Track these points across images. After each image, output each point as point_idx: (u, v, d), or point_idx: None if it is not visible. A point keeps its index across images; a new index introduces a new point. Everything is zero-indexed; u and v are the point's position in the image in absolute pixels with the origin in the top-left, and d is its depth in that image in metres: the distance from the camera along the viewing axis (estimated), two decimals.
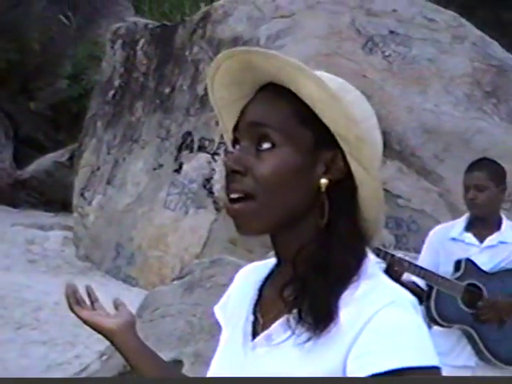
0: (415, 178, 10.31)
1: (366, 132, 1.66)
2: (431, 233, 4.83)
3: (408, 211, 10.22)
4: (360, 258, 1.64)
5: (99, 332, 2.08)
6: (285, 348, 1.62)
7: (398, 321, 1.55)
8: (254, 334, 1.71)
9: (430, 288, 4.54)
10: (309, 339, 1.59)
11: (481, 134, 10.20)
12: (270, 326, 1.67)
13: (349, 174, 1.64)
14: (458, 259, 4.57)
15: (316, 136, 1.64)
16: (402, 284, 4.36)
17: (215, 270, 7.50)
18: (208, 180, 11.12)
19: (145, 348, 2.06)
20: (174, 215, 11.34)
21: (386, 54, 11.07)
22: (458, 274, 4.54)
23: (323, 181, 1.64)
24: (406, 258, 4.63)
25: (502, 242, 4.59)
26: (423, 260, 4.64)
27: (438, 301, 4.53)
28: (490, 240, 4.60)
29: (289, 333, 1.62)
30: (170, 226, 11.33)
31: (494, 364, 4.52)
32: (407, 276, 4.45)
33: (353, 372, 1.54)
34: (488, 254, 4.58)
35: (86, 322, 2.09)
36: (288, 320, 1.63)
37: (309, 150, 1.64)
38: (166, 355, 6.93)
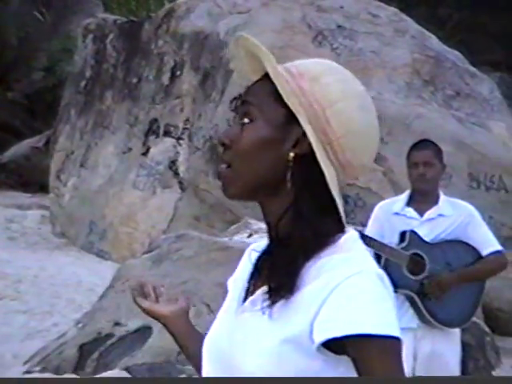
0: None
1: (337, 114, 1.63)
2: (376, 208, 4.85)
3: (355, 189, 10.26)
4: (322, 234, 1.63)
5: (155, 319, 2.11)
6: (260, 313, 1.63)
7: (361, 289, 1.54)
8: (245, 301, 1.71)
9: (378, 257, 4.57)
10: (272, 305, 1.60)
11: (420, 119, 10.24)
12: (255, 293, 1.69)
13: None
14: (403, 231, 4.60)
15: (288, 112, 1.63)
16: None
17: (181, 244, 7.49)
18: (173, 162, 11.11)
19: (192, 332, 2.07)
20: (142, 195, 11.33)
21: (334, 46, 11.09)
22: (403, 244, 4.57)
23: (290, 154, 1.63)
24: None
25: (440, 215, 4.63)
26: (369, 232, 4.66)
27: (385, 269, 4.56)
28: (429, 214, 4.63)
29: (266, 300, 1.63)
30: (138, 205, 11.31)
31: (434, 325, 4.57)
32: None
33: (315, 335, 1.53)
34: (428, 227, 4.62)
35: (144, 310, 2.13)
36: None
37: (281, 125, 1.64)
38: (136, 322, 6.95)
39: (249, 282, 1.75)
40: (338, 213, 1.65)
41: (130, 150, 11.62)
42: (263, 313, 1.62)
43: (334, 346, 1.54)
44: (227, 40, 11.20)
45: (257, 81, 1.71)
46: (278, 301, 1.60)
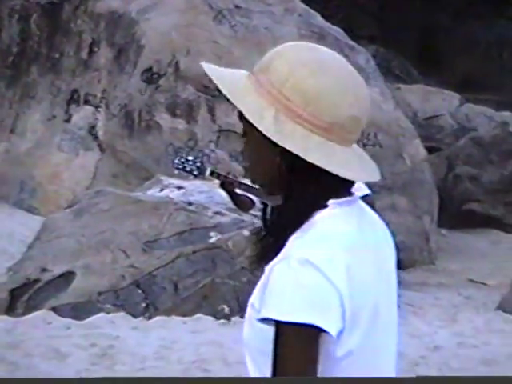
0: None
1: (292, 88, 1.54)
2: None
3: None
4: (303, 213, 1.55)
5: None
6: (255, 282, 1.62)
7: (278, 277, 1.46)
8: None
9: (265, 206, 4.54)
10: (253, 269, 1.61)
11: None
12: None
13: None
14: None
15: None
16: (236, 195, 4.29)
17: (98, 198, 7.45)
18: (93, 127, 11.00)
19: None
20: (66, 156, 11.18)
21: (232, 24, 11.04)
22: None
23: (277, 158, 1.55)
24: (243, 181, 4.62)
25: None
26: None
27: (272, 215, 4.54)
28: None
29: None
30: (63, 165, 11.16)
31: None
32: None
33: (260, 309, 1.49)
34: None
35: None
36: None
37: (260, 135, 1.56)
38: (61, 268, 6.89)
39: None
40: (325, 188, 1.56)
41: (54, 117, 11.42)
42: (255, 279, 1.60)
43: None
44: (138, 19, 11.06)
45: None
46: (255, 266, 1.60)
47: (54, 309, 6.61)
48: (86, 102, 11.17)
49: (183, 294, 6.79)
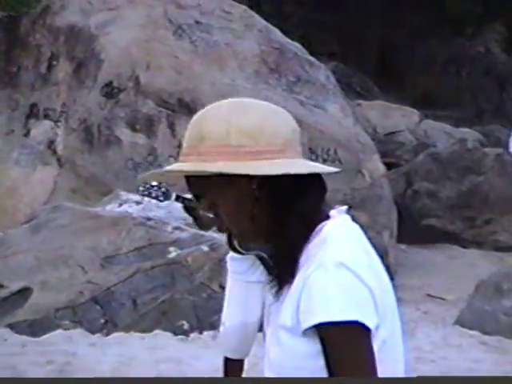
0: None
1: (217, 140, 1.64)
2: None
3: None
4: (308, 228, 1.64)
5: None
6: (275, 302, 1.66)
7: (318, 283, 1.52)
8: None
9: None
10: (278, 290, 1.62)
11: (267, 102, 10.35)
12: None
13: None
14: None
15: (226, 177, 1.64)
16: (199, 217, 4.38)
17: (57, 214, 7.39)
18: (52, 142, 10.90)
19: None
20: (25, 171, 11.05)
21: (193, 39, 11.05)
22: None
23: (255, 192, 1.64)
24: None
25: None
26: None
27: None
28: None
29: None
30: (22, 180, 11.03)
31: None
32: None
33: (300, 325, 1.53)
34: None
35: None
36: None
37: (228, 189, 1.66)
38: (18, 284, 6.81)
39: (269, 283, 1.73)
40: (317, 201, 1.68)
41: (12, 131, 11.30)
42: (276, 300, 1.63)
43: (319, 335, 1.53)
44: (98, 33, 11.02)
45: (188, 181, 1.70)
46: (282, 286, 1.62)
47: (10, 325, 6.53)
48: (45, 116, 11.07)
49: (142, 309, 6.75)
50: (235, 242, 1.72)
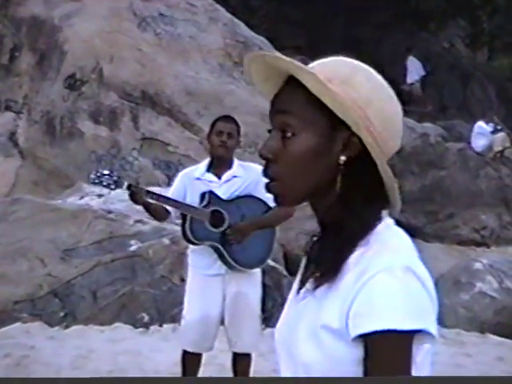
0: (181, 129, 10.37)
1: (375, 111, 1.51)
2: (180, 174, 4.90)
3: (176, 156, 10.28)
4: (368, 226, 1.51)
5: None
6: (310, 299, 1.54)
7: (384, 287, 1.42)
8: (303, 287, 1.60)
9: (184, 216, 4.63)
10: (316, 288, 1.51)
11: (231, 95, 10.34)
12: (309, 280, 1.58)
13: (366, 151, 1.50)
14: (203, 192, 4.67)
15: (331, 119, 1.49)
16: (149, 206, 4.51)
17: (16, 206, 7.33)
18: (13, 134, 10.81)
19: None
20: None
21: (157, 31, 11.02)
22: (204, 203, 4.64)
23: (342, 158, 1.50)
24: (160, 192, 4.71)
25: (234, 177, 4.73)
26: (173, 195, 4.70)
27: (191, 225, 4.62)
28: (226, 176, 4.73)
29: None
30: None
31: (238, 270, 4.67)
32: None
33: (350, 328, 1.43)
34: (225, 187, 4.71)
35: None
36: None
37: (326, 133, 1.50)
38: None
39: (303, 274, 1.64)
40: (382, 202, 1.54)
41: None
42: (313, 296, 1.52)
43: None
44: (61, 25, 10.94)
45: (282, 89, 1.54)
46: (322, 284, 1.51)
47: None
48: (7, 107, 10.98)
49: (102, 302, 6.72)
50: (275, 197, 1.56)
